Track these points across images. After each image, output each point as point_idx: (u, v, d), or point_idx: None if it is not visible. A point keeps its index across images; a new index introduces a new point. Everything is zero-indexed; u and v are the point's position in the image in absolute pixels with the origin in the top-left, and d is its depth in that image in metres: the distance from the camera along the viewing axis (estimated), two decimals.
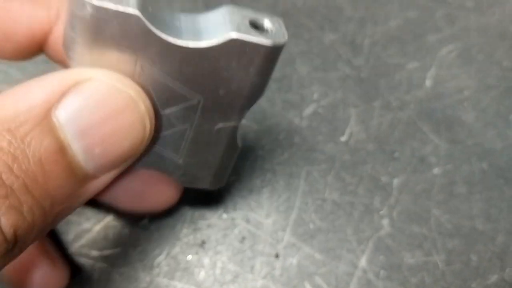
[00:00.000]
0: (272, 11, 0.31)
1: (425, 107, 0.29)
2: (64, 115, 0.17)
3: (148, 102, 0.18)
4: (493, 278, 0.26)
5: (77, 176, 0.18)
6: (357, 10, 0.31)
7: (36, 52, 0.23)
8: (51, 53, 0.23)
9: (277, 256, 0.26)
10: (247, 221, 0.27)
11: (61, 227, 0.26)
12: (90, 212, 0.27)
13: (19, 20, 0.22)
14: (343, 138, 0.29)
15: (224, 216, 0.27)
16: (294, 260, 0.26)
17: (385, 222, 0.27)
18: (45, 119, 0.17)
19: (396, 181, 0.28)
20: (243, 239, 0.26)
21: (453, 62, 0.30)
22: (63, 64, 0.23)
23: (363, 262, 0.26)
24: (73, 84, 0.17)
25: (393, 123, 0.29)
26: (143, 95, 0.18)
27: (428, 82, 0.30)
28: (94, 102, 0.17)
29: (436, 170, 0.28)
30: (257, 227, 0.27)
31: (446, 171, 0.28)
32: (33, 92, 0.17)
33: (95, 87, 0.17)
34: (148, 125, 0.18)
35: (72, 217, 0.27)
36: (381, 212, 0.27)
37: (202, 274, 0.26)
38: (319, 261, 0.26)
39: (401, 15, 0.31)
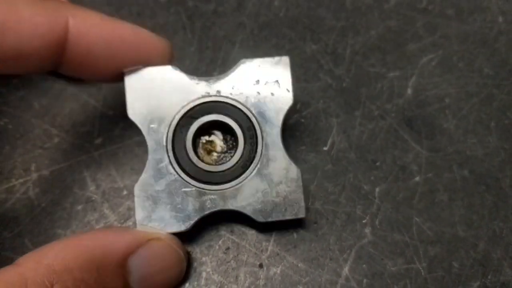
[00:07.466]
0: (253, 21, 0.32)
1: (406, 116, 0.29)
2: (135, 263, 0.22)
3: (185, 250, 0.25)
4: (475, 285, 0.26)
5: None
6: (338, 20, 0.32)
7: (52, 65, 0.23)
8: (66, 65, 0.23)
9: (261, 266, 0.26)
10: (231, 231, 0.27)
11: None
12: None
13: (31, 32, 0.21)
14: (325, 148, 0.29)
15: (208, 227, 0.27)
16: (278, 270, 0.26)
17: (368, 230, 0.27)
18: (123, 264, 0.22)
19: (378, 190, 0.28)
20: (227, 249, 0.27)
21: (434, 71, 0.31)
22: (76, 77, 0.25)
23: (346, 270, 0.26)
24: (146, 241, 0.23)
25: (375, 132, 0.29)
26: (184, 249, 0.25)
27: (409, 91, 0.30)
28: (159, 256, 0.23)
29: (417, 178, 0.28)
30: (241, 237, 0.27)
31: (428, 179, 0.28)
32: (116, 240, 0.22)
33: (160, 245, 0.23)
34: (184, 269, 0.25)
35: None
36: (363, 221, 0.27)
37: (186, 286, 0.26)
38: (302, 270, 0.26)
39: (382, 24, 0.32)
